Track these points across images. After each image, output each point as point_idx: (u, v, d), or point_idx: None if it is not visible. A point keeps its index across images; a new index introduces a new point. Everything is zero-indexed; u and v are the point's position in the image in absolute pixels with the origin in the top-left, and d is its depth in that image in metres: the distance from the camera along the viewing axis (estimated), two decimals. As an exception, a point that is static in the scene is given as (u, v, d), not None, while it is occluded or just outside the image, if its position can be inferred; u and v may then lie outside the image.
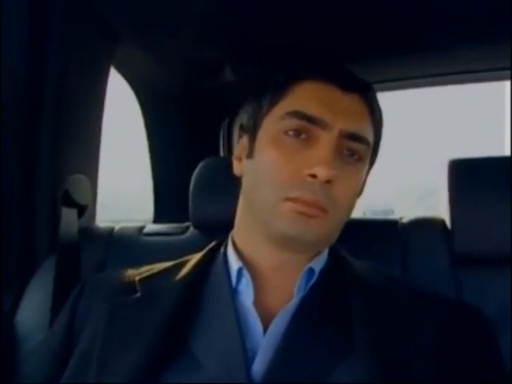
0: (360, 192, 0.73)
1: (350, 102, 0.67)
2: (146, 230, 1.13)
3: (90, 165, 1.19)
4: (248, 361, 0.61)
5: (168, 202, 1.55)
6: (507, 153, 1.44)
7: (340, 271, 0.70)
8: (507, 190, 0.90)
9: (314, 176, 0.62)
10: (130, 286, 0.71)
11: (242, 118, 0.74)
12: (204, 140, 1.61)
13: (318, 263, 0.69)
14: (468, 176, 0.95)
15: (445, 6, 1.06)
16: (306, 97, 0.67)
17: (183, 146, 1.57)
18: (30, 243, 1.06)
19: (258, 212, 0.67)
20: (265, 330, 0.64)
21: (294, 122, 0.65)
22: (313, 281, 0.68)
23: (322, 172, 0.61)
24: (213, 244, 0.76)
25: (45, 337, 0.81)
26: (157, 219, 1.55)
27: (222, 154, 1.65)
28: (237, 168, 0.75)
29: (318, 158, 0.62)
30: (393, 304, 0.67)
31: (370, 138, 0.69)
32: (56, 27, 1.04)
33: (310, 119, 0.65)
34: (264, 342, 0.62)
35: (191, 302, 0.67)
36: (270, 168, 0.65)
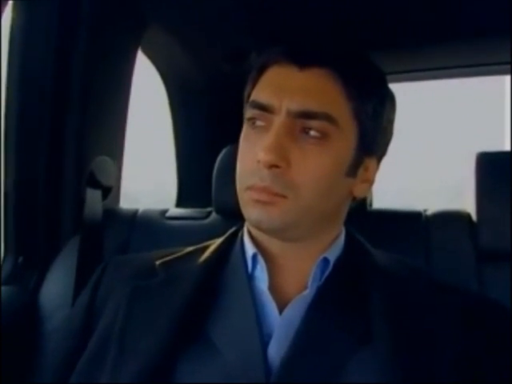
0: (350, 170, 0.66)
1: (307, 78, 0.64)
2: (168, 214, 1.13)
3: (115, 147, 1.20)
4: (264, 345, 0.61)
5: (190, 187, 1.56)
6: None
7: (357, 260, 0.69)
8: None
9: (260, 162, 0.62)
10: (151, 270, 0.71)
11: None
12: (229, 126, 1.60)
13: (334, 252, 0.68)
14: (496, 169, 0.93)
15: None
16: (262, 84, 0.67)
17: (208, 132, 1.58)
18: (56, 222, 1.08)
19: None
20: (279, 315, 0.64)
21: (252, 112, 0.66)
22: (328, 271, 0.67)
23: (262, 157, 0.61)
24: (232, 230, 0.76)
25: (66, 315, 0.82)
26: (179, 203, 1.56)
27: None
28: None
29: (262, 144, 0.62)
30: (414, 294, 0.66)
31: (336, 112, 0.63)
32: (85, 10, 1.04)
33: (261, 107, 0.65)
34: (278, 327, 0.63)
35: (210, 288, 0.68)
36: (239, 158, 0.67)
